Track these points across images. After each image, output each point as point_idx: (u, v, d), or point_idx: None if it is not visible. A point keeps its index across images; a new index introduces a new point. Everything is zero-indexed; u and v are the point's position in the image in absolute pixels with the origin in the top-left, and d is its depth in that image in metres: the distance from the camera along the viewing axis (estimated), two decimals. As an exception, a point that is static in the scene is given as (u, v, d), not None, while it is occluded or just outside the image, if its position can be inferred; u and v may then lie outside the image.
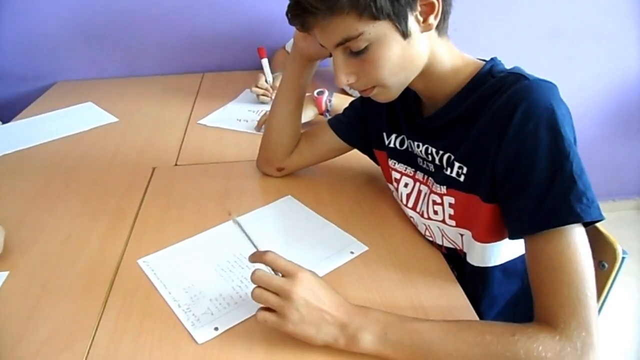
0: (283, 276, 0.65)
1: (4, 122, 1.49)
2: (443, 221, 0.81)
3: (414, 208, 0.88)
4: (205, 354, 0.66)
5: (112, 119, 1.45)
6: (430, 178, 0.84)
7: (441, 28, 0.71)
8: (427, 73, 0.73)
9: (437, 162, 0.80)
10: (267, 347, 0.66)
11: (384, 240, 0.88)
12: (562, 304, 0.59)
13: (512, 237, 0.68)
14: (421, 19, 0.68)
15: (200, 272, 0.81)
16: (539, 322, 0.60)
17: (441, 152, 0.79)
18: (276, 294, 0.64)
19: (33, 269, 0.83)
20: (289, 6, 0.69)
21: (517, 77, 0.68)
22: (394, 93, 0.75)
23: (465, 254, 0.82)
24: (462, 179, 0.75)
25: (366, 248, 0.86)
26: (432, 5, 0.67)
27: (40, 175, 1.14)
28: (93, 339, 0.69)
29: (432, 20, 0.68)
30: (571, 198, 0.60)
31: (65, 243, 0.89)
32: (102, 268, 0.83)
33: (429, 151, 0.81)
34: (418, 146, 0.83)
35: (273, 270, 0.67)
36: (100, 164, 1.18)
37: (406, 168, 0.89)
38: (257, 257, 0.67)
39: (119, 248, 0.88)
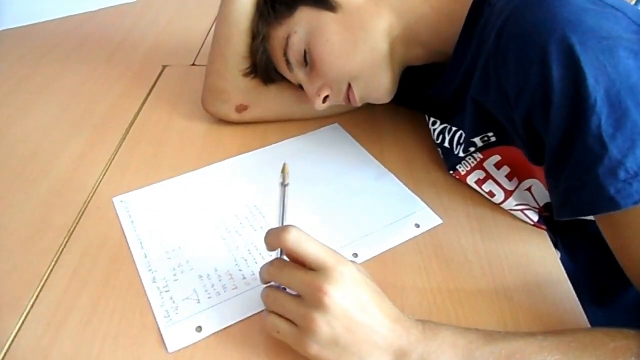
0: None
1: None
2: (508, 192, 0.57)
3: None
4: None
5: (129, -2, 1.16)
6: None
7: None
8: (409, 35, 0.57)
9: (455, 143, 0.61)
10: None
11: (465, 212, 0.59)
12: None
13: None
14: None
15: (193, 227, 0.57)
16: None
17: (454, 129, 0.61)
18: (298, 295, 0.40)
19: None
20: None
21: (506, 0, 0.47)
22: (378, 80, 0.59)
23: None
24: (493, 139, 0.56)
25: (440, 221, 0.57)
26: None
27: (24, 62, 0.89)
28: (23, 321, 0.47)
29: None
30: (599, 172, 0.40)
31: (29, 161, 0.66)
32: (65, 203, 0.59)
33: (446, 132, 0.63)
34: (434, 124, 0.66)
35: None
36: (100, 55, 0.92)
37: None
38: (274, 238, 0.41)
39: (94, 174, 0.64)
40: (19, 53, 0.92)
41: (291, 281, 0.40)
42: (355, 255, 0.53)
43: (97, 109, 0.76)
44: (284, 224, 0.42)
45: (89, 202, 0.60)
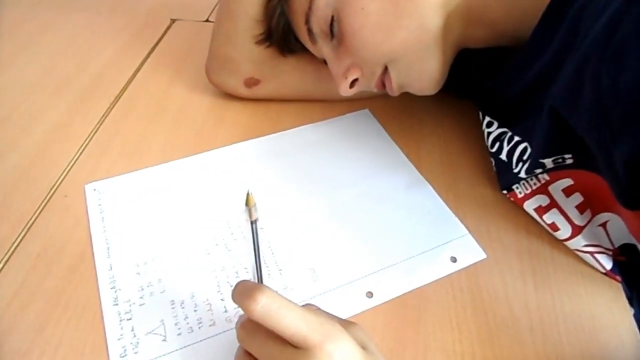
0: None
1: None
2: (577, 228, 0.44)
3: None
4: None
5: None
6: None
7: None
8: (471, 10, 0.44)
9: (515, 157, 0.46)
10: None
11: (517, 247, 0.46)
12: None
13: None
14: None
15: (174, 234, 0.46)
16: None
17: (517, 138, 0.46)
18: None
19: None
20: None
21: None
22: (423, 66, 0.46)
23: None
24: (570, 162, 0.41)
25: (483, 255, 0.45)
26: None
27: (18, 7, 0.78)
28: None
29: None
30: None
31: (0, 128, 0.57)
32: (29, 187, 0.50)
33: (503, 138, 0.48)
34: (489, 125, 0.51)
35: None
36: (103, 3, 0.80)
37: None
38: (240, 304, 0.29)
39: (69, 153, 0.53)
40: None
41: (262, 355, 0.29)
42: (370, 295, 0.41)
43: (89, 67, 0.66)
44: (260, 273, 0.31)
45: (57, 187, 0.50)
